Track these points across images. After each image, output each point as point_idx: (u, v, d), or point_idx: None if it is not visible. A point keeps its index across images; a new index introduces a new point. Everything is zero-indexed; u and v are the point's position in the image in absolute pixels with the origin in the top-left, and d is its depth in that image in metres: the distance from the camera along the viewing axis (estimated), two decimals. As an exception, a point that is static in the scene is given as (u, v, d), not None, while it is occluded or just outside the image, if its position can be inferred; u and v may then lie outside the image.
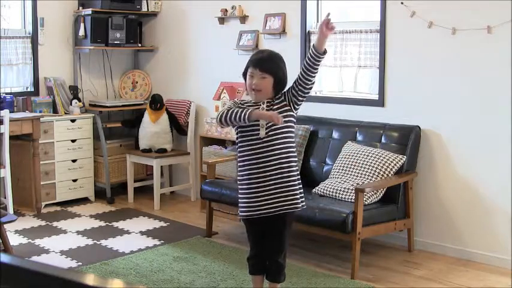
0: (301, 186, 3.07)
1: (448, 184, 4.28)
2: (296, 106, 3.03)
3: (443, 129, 4.28)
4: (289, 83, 3.09)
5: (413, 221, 4.35)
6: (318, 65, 2.95)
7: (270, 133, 2.97)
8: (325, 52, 2.93)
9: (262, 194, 2.98)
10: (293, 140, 3.05)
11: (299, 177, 3.07)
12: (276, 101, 3.01)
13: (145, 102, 6.13)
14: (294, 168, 3.02)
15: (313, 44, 2.95)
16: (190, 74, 6.01)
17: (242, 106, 3.03)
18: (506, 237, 4.03)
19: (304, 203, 3.09)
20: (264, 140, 2.96)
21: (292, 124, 3.04)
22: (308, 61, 2.95)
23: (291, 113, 3.01)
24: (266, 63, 2.98)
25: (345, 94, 4.88)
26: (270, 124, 2.96)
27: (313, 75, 2.96)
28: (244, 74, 3.05)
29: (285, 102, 3.00)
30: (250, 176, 3.00)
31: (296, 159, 3.06)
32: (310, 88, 3.01)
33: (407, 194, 4.24)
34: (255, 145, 2.98)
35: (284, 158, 2.98)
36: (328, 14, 2.91)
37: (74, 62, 6.00)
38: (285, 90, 3.04)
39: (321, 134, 4.68)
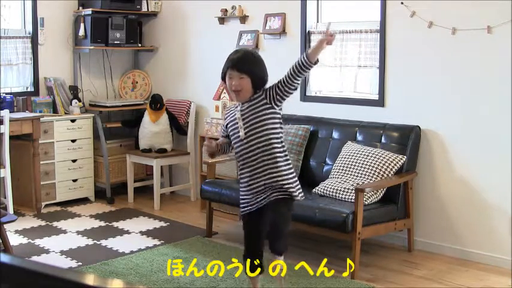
0: (294, 176, 3.09)
1: (448, 184, 4.28)
2: (278, 103, 3.05)
3: (443, 129, 4.28)
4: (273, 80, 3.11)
5: (413, 221, 4.35)
6: (306, 72, 3.03)
7: (249, 133, 3.03)
8: (316, 62, 3.00)
9: (255, 190, 3.06)
10: (277, 134, 3.05)
11: (290, 166, 3.08)
12: (253, 101, 3.04)
13: (145, 102, 6.13)
14: (281, 161, 3.03)
15: (307, 52, 3.01)
16: (190, 74, 6.01)
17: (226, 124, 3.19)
18: (506, 237, 4.03)
19: (302, 194, 3.11)
20: (245, 140, 3.04)
21: (275, 120, 3.04)
22: (297, 66, 2.99)
23: (272, 110, 3.03)
24: (242, 63, 3.03)
25: (345, 94, 4.87)
26: (247, 124, 3.02)
27: (299, 79, 3.03)
28: (224, 76, 3.12)
29: (265, 100, 3.02)
30: (244, 175, 3.11)
31: (283, 152, 3.06)
32: (295, 89, 3.06)
33: (407, 194, 4.24)
34: (239, 146, 3.08)
35: (267, 154, 3.02)
36: (329, 24, 2.97)
37: (74, 62, 6.00)
38: (267, 86, 3.06)
39: (321, 134, 4.68)
